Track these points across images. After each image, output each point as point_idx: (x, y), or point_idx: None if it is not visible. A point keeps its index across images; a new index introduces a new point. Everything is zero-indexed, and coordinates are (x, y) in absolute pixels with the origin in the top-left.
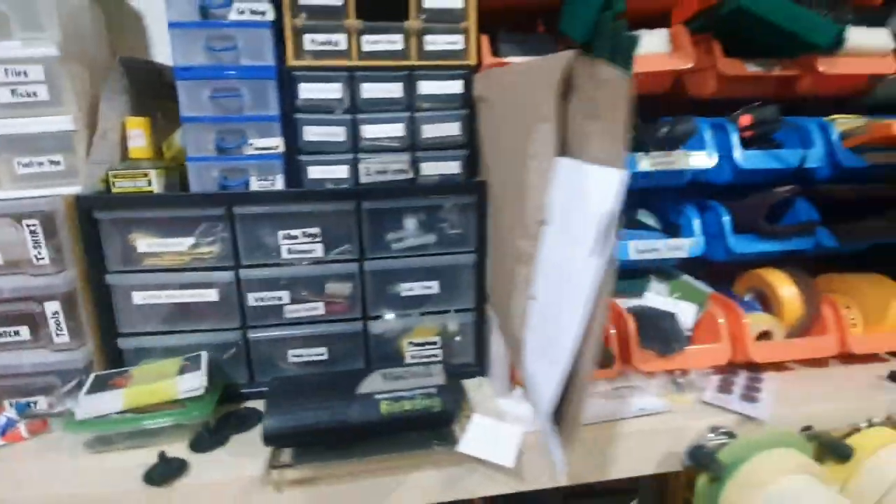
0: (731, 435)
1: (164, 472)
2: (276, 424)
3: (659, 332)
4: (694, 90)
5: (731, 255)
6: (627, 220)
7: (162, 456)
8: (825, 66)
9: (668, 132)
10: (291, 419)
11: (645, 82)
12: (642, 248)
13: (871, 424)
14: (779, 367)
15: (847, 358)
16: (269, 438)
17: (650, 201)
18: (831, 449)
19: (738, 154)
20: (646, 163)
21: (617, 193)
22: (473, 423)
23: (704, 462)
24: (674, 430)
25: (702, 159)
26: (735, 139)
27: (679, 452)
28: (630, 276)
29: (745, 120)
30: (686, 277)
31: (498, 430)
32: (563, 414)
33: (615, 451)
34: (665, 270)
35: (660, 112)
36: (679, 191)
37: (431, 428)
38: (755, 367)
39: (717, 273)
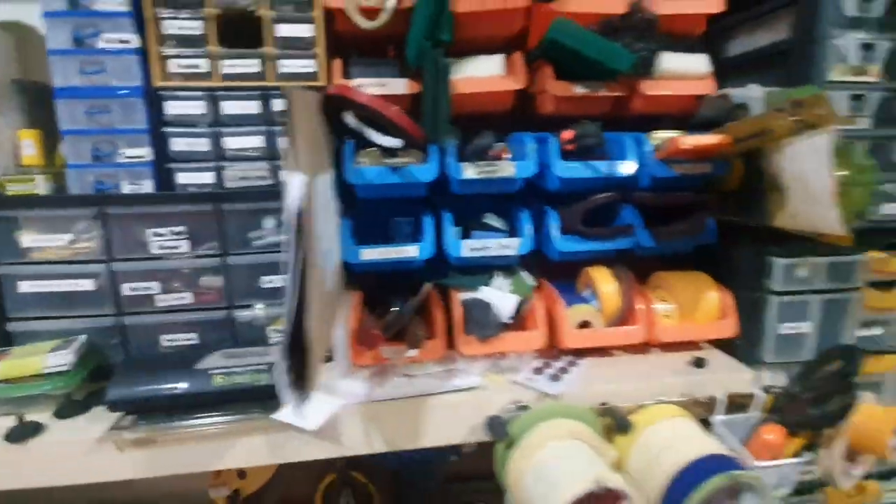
0: (525, 408)
1: (21, 432)
2: (117, 393)
3: (476, 320)
4: (540, 109)
5: (560, 254)
6: (476, 222)
7: (20, 419)
8: (647, 87)
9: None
10: (131, 389)
11: (485, 101)
12: (475, 246)
13: (659, 402)
14: (603, 353)
15: (668, 346)
16: (110, 405)
17: (502, 206)
18: (616, 422)
19: (556, 164)
20: (471, 171)
21: (297, 192)
22: None
23: (497, 431)
24: (483, 405)
25: (523, 168)
26: (554, 151)
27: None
28: (477, 271)
29: (567, 135)
30: (522, 273)
31: (317, 402)
32: (301, 370)
33: (429, 422)
34: (509, 267)
35: (516, 129)
36: (529, 197)
37: (259, 399)
38: (580, 353)
39: (572, 270)
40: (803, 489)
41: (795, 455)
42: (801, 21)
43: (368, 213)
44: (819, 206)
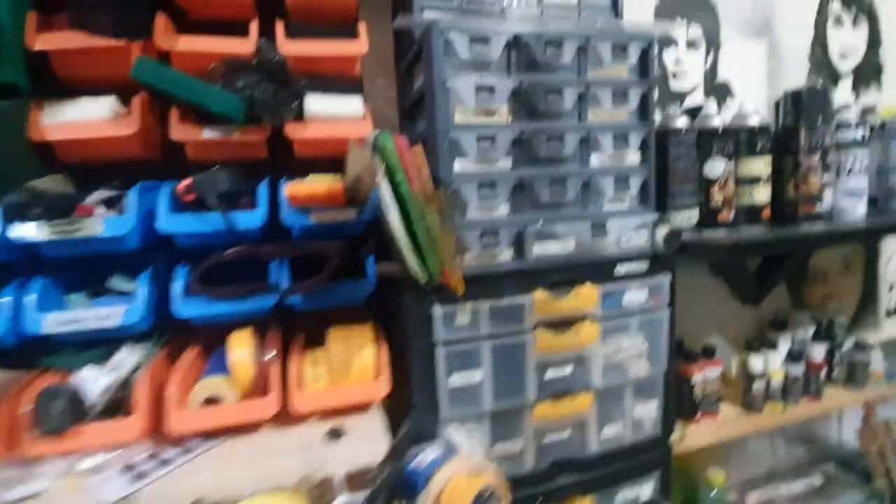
0: None
1: None
2: None
3: (41, 412)
4: (190, 154)
5: (189, 318)
6: (98, 288)
7: None
8: (294, 130)
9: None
10: None
11: (98, 147)
12: (63, 319)
13: (267, 491)
14: (248, 429)
15: (325, 413)
16: None
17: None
18: None
19: (161, 217)
20: (42, 231)
21: None
22: None
23: None
24: None
25: (116, 225)
26: (162, 203)
27: None
28: (97, 345)
29: (183, 185)
30: (151, 344)
31: None
32: None
33: None
34: (145, 336)
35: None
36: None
37: None
38: (211, 435)
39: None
40: None
41: None
42: (425, 65)
43: None
44: (404, 253)
